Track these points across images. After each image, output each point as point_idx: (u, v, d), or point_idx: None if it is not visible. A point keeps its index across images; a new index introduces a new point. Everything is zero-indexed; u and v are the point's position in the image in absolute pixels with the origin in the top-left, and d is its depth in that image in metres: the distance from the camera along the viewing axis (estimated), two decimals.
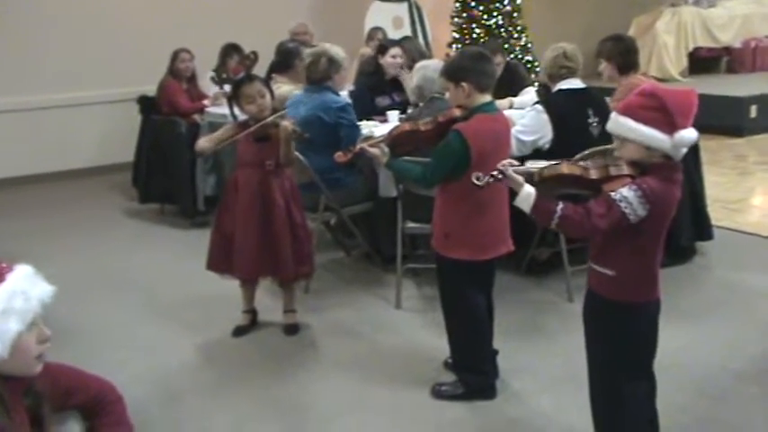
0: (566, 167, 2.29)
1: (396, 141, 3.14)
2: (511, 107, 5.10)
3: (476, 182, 2.43)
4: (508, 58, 6.14)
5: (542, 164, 2.37)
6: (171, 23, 7.62)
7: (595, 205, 2.21)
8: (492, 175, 2.35)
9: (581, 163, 2.32)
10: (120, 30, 7.64)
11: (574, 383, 2.96)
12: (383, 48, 5.57)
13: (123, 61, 7.57)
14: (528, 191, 2.29)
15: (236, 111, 3.77)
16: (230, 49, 6.46)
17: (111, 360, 3.52)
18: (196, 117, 6.05)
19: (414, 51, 5.73)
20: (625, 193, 2.17)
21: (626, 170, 2.24)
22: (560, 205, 2.25)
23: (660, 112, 2.18)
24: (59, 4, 7.42)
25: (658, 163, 2.23)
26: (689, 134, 2.18)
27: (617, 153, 2.31)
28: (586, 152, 3.66)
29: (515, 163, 2.41)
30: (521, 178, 2.32)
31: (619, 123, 2.26)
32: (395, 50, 5.49)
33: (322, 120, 4.23)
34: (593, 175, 2.26)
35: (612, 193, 2.19)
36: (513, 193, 2.35)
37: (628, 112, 2.24)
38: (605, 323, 2.40)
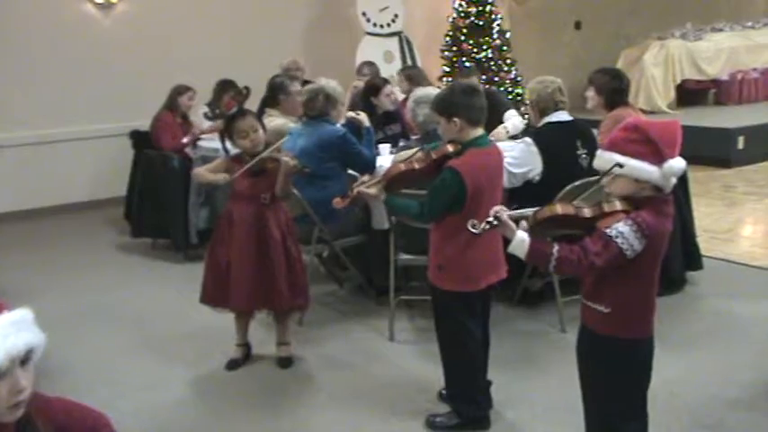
0: (559, 207, 2.26)
1: (391, 180, 3.15)
2: (507, 133, 5.13)
3: (472, 230, 2.39)
4: (489, 87, 6.21)
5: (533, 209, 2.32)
6: (163, 59, 7.70)
7: (591, 243, 2.18)
8: (488, 222, 2.31)
9: (574, 202, 2.29)
10: (113, 65, 7.69)
11: (568, 414, 2.97)
12: (376, 88, 5.57)
13: (116, 96, 7.62)
14: (521, 237, 2.25)
15: (228, 145, 3.81)
16: (226, 85, 6.52)
17: (104, 395, 3.51)
18: (188, 151, 6.09)
19: (417, 80, 5.79)
20: (621, 229, 2.15)
21: (619, 206, 2.22)
22: (556, 247, 2.21)
23: (646, 144, 2.18)
24: (52, 39, 7.48)
25: (650, 196, 2.22)
26: (677, 163, 2.19)
27: (607, 189, 2.29)
28: (567, 188, 3.69)
29: (507, 210, 2.36)
30: (514, 225, 2.28)
31: (606, 159, 2.24)
32: (388, 89, 5.53)
33: (318, 154, 4.27)
34: (588, 213, 2.23)
35: (608, 230, 2.16)
36: (507, 240, 2.30)
37: (614, 147, 2.24)
38: (599, 360, 2.36)
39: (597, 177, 2.32)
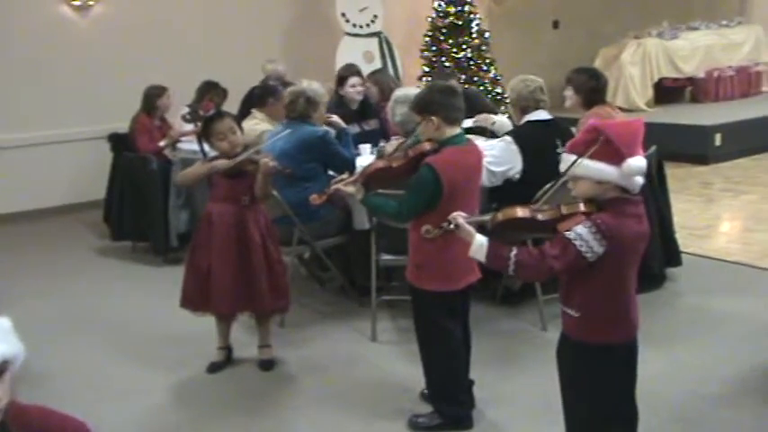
0: (519, 211, 2.26)
1: (369, 178, 3.16)
2: (493, 124, 5.09)
3: (425, 235, 2.42)
4: (466, 86, 6.19)
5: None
6: (142, 60, 7.63)
7: (550, 246, 2.17)
8: (441, 227, 2.33)
9: (533, 205, 2.29)
10: (91, 67, 7.63)
11: (549, 412, 2.97)
12: (342, 79, 5.59)
13: (95, 99, 7.56)
14: (480, 241, 2.27)
15: (206, 147, 3.79)
16: (209, 86, 6.48)
17: (84, 401, 3.47)
18: (168, 153, 6.05)
19: (385, 83, 5.78)
20: (579, 231, 2.14)
21: (581, 207, 2.21)
22: (514, 251, 2.22)
23: (605, 144, 2.16)
24: (29, 42, 7.40)
25: (614, 197, 2.20)
26: (636, 162, 2.16)
27: (573, 193, 2.29)
28: (547, 186, 3.70)
29: (464, 215, 2.39)
30: (472, 229, 2.30)
31: (568, 162, 2.24)
32: (353, 80, 5.51)
33: (298, 155, 4.26)
34: (545, 216, 2.23)
35: (567, 233, 2.15)
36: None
37: (574, 149, 2.24)
38: (573, 365, 2.36)
39: (560, 179, 2.32)
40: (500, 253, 2.24)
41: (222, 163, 3.63)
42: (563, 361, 2.41)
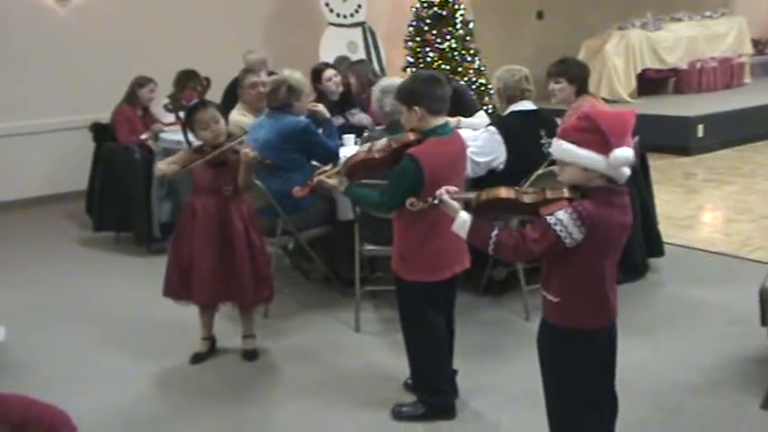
0: (503, 191, 2.29)
1: (352, 170, 3.15)
2: (458, 126, 5.08)
3: (409, 207, 2.47)
4: (455, 82, 6.18)
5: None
6: (123, 50, 7.57)
7: (530, 230, 2.20)
8: (426, 201, 2.38)
9: (518, 187, 2.32)
10: (72, 57, 7.57)
11: (532, 401, 2.99)
12: (316, 74, 5.57)
13: (76, 88, 7.49)
14: (463, 218, 2.31)
15: (191, 137, 3.77)
16: (189, 75, 6.43)
17: (67, 391, 3.45)
18: (150, 144, 6.01)
19: (363, 75, 5.77)
20: (560, 216, 2.15)
21: (565, 193, 2.23)
22: (495, 231, 2.25)
23: (594, 133, 2.17)
24: (8, 31, 7.33)
25: (599, 186, 2.21)
26: (623, 153, 2.16)
27: (558, 178, 2.30)
28: (534, 174, 3.73)
29: (452, 189, 2.42)
30: (456, 204, 2.34)
31: (557, 147, 2.26)
32: (328, 72, 5.51)
33: (280, 145, 4.24)
34: (529, 199, 2.26)
35: (548, 217, 2.17)
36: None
37: (564, 135, 2.25)
38: (554, 350, 2.37)
39: (547, 164, 2.36)
40: (482, 231, 2.28)
41: (202, 161, 3.61)
42: (543, 346, 2.43)
